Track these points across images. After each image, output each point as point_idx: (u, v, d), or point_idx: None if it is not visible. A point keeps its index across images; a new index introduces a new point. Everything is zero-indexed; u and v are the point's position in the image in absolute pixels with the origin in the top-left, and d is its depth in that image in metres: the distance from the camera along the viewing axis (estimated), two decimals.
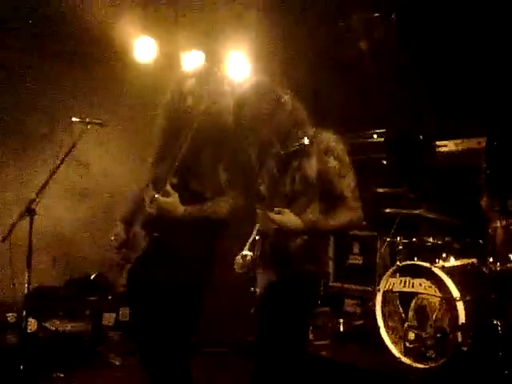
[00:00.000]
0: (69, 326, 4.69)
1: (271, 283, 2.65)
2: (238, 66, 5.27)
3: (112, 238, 2.97)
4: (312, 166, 2.59)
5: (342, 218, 2.55)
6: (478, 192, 4.08)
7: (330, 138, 2.63)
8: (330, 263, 5.20)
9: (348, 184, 2.58)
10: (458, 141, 4.76)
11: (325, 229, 2.59)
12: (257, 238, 2.70)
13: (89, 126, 3.57)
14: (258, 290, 2.71)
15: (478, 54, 4.83)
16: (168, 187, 2.65)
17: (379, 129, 5.21)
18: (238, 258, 2.77)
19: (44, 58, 4.97)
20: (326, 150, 2.59)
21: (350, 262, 5.12)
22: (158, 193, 2.65)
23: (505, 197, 3.89)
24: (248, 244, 2.77)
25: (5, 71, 4.88)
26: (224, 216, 2.74)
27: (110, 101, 5.22)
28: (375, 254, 4.88)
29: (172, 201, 2.65)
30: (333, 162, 2.58)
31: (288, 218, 2.52)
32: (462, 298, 3.69)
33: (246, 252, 2.76)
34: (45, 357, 4.24)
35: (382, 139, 5.14)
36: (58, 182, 3.69)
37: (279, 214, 2.54)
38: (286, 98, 2.69)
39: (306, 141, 2.54)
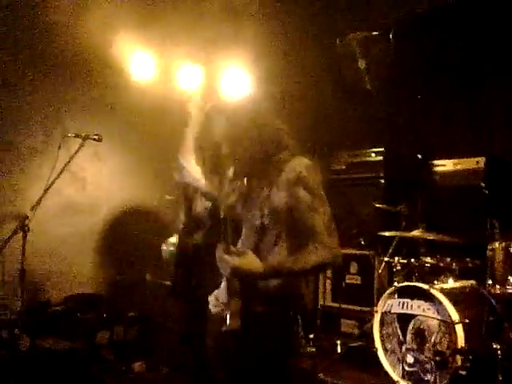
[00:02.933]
0: (62, 344, 4.62)
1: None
2: (236, 81, 5.25)
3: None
4: (281, 198, 2.31)
5: (312, 258, 2.23)
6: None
7: (301, 166, 2.32)
8: (328, 283, 5.16)
9: (320, 218, 2.26)
10: (457, 160, 4.74)
11: (290, 273, 2.27)
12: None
13: (85, 141, 3.54)
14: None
15: (476, 71, 4.84)
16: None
17: (378, 147, 5.19)
18: (212, 297, 2.53)
19: (39, 73, 4.94)
20: (296, 180, 2.29)
21: (348, 281, 5.06)
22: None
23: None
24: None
25: None
26: None
27: (107, 115, 5.20)
28: (373, 274, 4.83)
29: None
30: (302, 194, 2.28)
31: (246, 261, 2.24)
32: (461, 320, 3.64)
33: (217, 292, 2.49)
34: (37, 375, 4.16)
35: (381, 158, 5.12)
36: (53, 198, 3.65)
37: (238, 255, 2.26)
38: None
39: None
